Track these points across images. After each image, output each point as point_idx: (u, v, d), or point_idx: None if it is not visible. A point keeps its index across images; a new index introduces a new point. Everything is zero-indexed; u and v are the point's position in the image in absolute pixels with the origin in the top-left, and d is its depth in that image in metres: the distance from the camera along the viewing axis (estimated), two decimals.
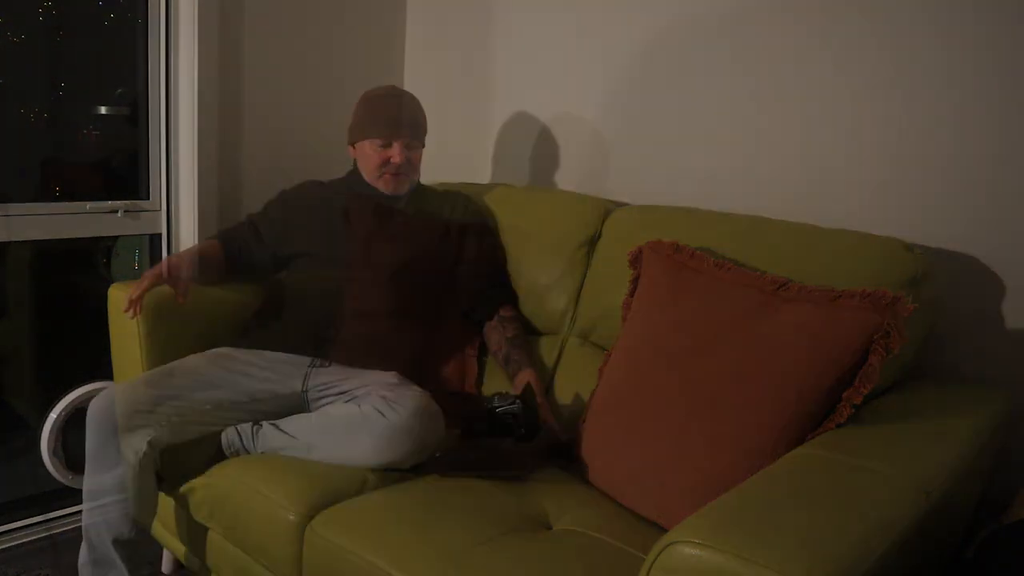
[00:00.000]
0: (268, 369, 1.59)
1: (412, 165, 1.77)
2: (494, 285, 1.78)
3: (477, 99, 2.25)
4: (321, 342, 1.61)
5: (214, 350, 1.63)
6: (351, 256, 1.69)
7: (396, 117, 1.74)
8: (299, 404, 1.58)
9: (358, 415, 1.43)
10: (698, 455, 1.23)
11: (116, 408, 1.44)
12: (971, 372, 1.48)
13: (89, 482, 1.47)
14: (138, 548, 1.52)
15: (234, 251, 1.79)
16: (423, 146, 1.82)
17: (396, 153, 1.72)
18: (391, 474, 1.45)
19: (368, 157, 1.75)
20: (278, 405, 1.56)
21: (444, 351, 1.75)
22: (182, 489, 1.52)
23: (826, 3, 1.59)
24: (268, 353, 1.61)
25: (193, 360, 1.58)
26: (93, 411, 1.46)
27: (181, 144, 2.01)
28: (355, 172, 1.81)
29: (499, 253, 1.82)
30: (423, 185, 1.89)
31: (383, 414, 1.41)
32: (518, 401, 1.47)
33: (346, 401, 1.51)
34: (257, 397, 1.55)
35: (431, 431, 1.43)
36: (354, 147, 1.80)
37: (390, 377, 1.53)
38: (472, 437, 1.48)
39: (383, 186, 1.76)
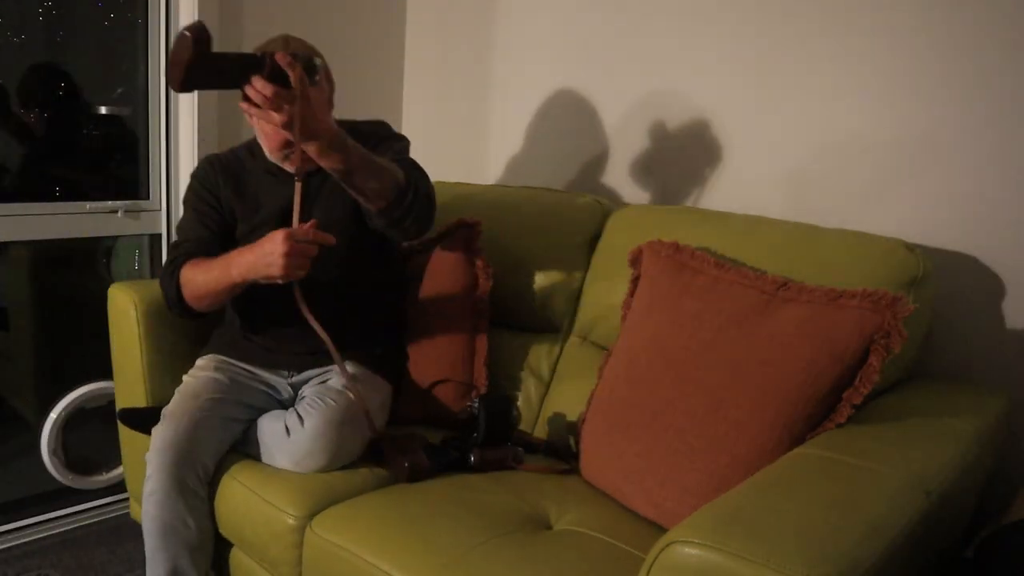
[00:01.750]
0: (255, 379, 1.60)
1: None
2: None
3: (477, 99, 2.25)
4: (294, 356, 1.60)
5: (209, 359, 1.61)
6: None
7: None
8: (292, 403, 1.59)
9: (276, 431, 1.45)
10: (698, 455, 1.23)
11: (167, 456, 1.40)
12: (971, 372, 1.48)
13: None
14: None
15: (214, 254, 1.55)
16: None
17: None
18: (390, 475, 1.45)
19: (266, 134, 1.52)
20: (273, 405, 1.57)
21: (433, 324, 1.68)
22: None
23: (827, 2, 1.59)
24: (255, 368, 1.61)
25: (205, 375, 1.55)
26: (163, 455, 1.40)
27: (181, 144, 2.01)
28: (256, 142, 1.61)
29: (407, 149, 1.61)
30: (342, 122, 1.56)
31: (289, 434, 1.43)
32: (477, 402, 1.51)
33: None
34: (257, 405, 1.55)
35: (343, 440, 1.43)
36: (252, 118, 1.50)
37: (349, 367, 1.51)
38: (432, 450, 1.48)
39: (289, 167, 1.54)
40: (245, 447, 1.50)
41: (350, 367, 1.53)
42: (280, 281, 1.33)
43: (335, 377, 1.53)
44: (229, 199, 1.61)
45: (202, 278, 1.47)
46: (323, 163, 1.29)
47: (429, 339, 1.68)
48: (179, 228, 1.65)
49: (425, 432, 1.57)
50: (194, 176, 1.66)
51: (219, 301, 1.51)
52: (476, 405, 1.51)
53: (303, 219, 1.39)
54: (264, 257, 1.33)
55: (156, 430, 1.44)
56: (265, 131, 1.53)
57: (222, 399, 1.49)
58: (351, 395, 1.47)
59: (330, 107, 1.54)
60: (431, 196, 1.50)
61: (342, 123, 1.45)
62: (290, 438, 1.43)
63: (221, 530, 1.48)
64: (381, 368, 1.62)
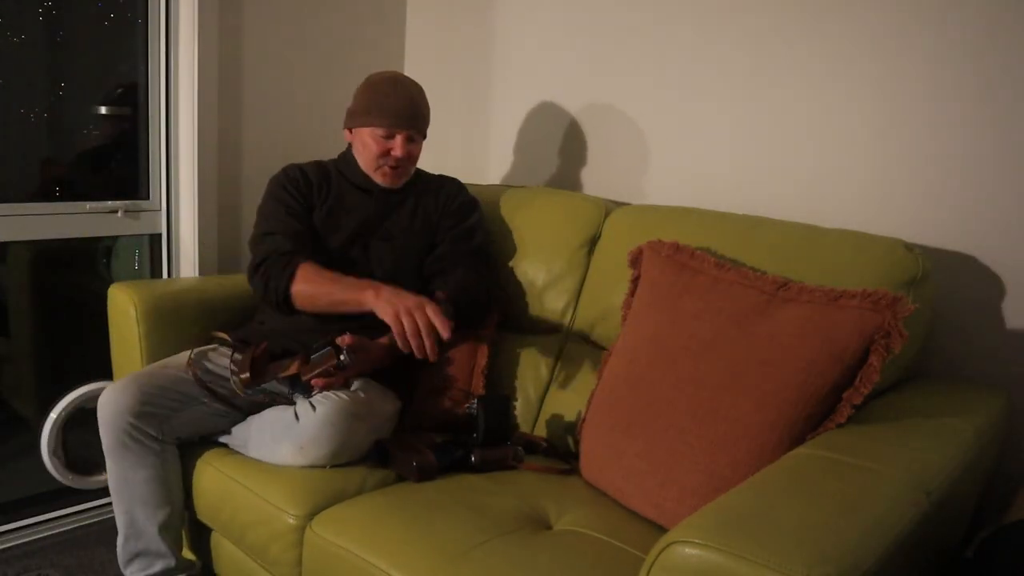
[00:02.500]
0: None
1: (412, 159, 1.71)
2: (461, 269, 1.69)
3: (477, 99, 2.25)
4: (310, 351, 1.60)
5: (211, 347, 1.62)
6: (345, 252, 1.67)
7: (401, 108, 1.65)
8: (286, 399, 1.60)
9: (282, 420, 1.46)
10: (698, 455, 1.23)
11: (122, 402, 1.44)
12: (971, 372, 1.48)
13: (115, 476, 1.48)
14: (179, 532, 1.54)
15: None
16: (424, 138, 1.74)
17: (398, 146, 1.65)
18: (390, 475, 1.46)
19: (367, 146, 1.67)
20: (269, 401, 1.57)
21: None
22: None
23: (828, 2, 1.59)
24: None
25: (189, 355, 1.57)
26: (104, 410, 1.46)
27: (181, 144, 2.01)
28: (348, 158, 1.74)
29: (477, 231, 1.75)
30: (418, 170, 1.81)
31: (298, 419, 1.44)
32: (475, 402, 1.50)
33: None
34: (254, 400, 1.55)
35: (351, 432, 1.44)
36: (351, 131, 1.72)
37: (357, 381, 1.55)
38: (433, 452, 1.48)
39: (380, 178, 1.69)
40: (228, 439, 1.52)
41: (359, 383, 1.55)
42: (387, 323, 1.41)
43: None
44: (314, 198, 1.69)
45: (327, 288, 1.53)
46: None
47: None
48: (264, 218, 1.66)
49: (423, 438, 1.58)
50: (284, 172, 1.72)
51: (332, 312, 1.55)
52: (475, 406, 1.51)
53: (376, 228, 1.67)
54: (402, 299, 1.41)
55: (102, 394, 1.48)
56: (366, 143, 1.67)
57: (191, 380, 1.50)
58: (362, 395, 1.50)
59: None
60: (478, 302, 1.67)
61: (420, 173, 1.74)
62: (299, 423, 1.43)
63: (221, 530, 1.49)
64: (394, 382, 1.61)
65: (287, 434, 1.44)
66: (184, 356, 1.57)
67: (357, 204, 1.70)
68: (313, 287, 1.54)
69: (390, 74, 1.72)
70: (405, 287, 1.50)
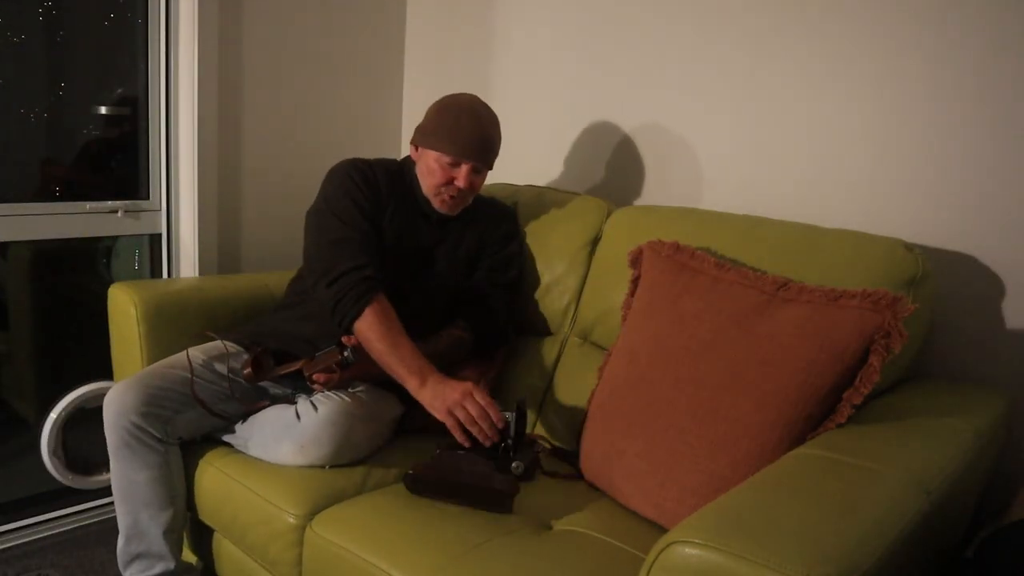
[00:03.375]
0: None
1: (474, 190, 1.65)
2: (491, 301, 1.71)
3: None
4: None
5: (214, 344, 1.61)
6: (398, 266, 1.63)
7: (473, 138, 1.58)
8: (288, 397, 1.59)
9: (283, 418, 1.46)
10: (698, 455, 1.23)
11: (127, 402, 1.43)
12: (971, 372, 1.48)
13: (119, 477, 1.48)
14: (181, 535, 1.55)
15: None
16: (491, 169, 1.67)
17: (462, 177, 1.59)
18: (390, 475, 1.46)
19: (431, 170, 1.61)
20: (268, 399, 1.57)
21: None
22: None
23: (828, 2, 1.59)
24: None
25: (194, 354, 1.56)
26: (108, 410, 1.46)
27: (181, 144, 2.01)
28: (411, 171, 1.68)
29: (516, 268, 1.76)
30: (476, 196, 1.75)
31: (299, 418, 1.44)
32: (514, 412, 1.41)
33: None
34: (250, 390, 1.55)
35: (352, 433, 1.44)
36: (417, 149, 1.65)
37: (360, 384, 1.55)
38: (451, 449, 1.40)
39: (438, 204, 1.63)
40: (231, 438, 1.52)
41: (362, 386, 1.55)
42: (437, 416, 1.40)
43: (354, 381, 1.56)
44: (383, 200, 1.62)
45: (384, 347, 1.46)
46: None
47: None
48: (335, 215, 1.57)
49: (424, 440, 1.57)
50: (351, 165, 1.64)
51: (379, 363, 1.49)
52: (511, 414, 1.40)
53: (427, 254, 1.66)
54: (448, 391, 1.39)
55: (107, 394, 1.47)
56: (430, 167, 1.61)
57: (196, 381, 1.49)
58: (364, 397, 1.50)
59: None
60: (498, 331, 1.72)
61: (478, 199, 1.73)
62: (300, 422, 1.43)
63: (222, 530, 1.49)
64: (396, 387, 1.58)
65: (288, 433, 1.44)
66: (188, 353, 1.56)
67: (417, 227, 1.67)
68: (375, 335, 1.47)
69: (467, 99, 1.64)
70: (437, 310, 1.55)
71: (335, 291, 1.50)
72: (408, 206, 1.66)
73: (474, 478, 1.32)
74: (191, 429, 1.51)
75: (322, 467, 1.43)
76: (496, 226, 1.75)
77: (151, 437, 1.45)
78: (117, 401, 1.44)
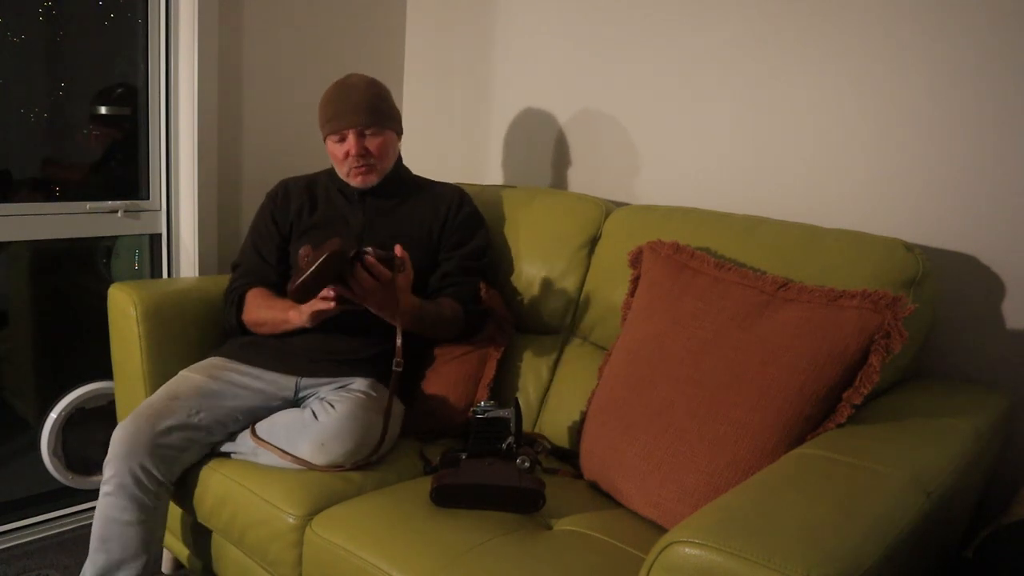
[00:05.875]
0: (259, 379, 1.58)
1: (375, 153, 1.67)
2: (464, 279, 1.71)
3: (477, 99, 2.25)
4: (310, 363, 1.60)
5: (208, 361, 1.62)
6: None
7: (344, 108, 1.64)
8: (293, 402, 1.59)
9: (299, 419, 1.46)
10: (698, 455, 1.23)
11: (139, 444, 1.41)
12: (971, 372, 1.48)
13: (103, 513, 1.43)
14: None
15: (271, 284, 1.72)
16: (389, 130, 1.69)
17: (351, 144, 1.64)
18: (390, 475, 1.46)
19: (332, 155, 1.70)
20: (271, 411, 1.55)
21: (449, 352, 1.70)
22: (183, 491, 1.52)
23: (828, 1, 1.59)
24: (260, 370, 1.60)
25: (193, 378, 1.55)
26: (116, 447, 1.42)
27: (181, 144, 2.01)
28: (333, 169, 1.76)
29: (486, 252, 1.76)
30: (414, 176, 1.81)
31: (317, 417, 1.44)
32: (512, 408, 1.40)
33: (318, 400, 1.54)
34: (254, 408, 1.55)
35: (371, 427, 1.44)
36: (326, 145, 1.73)
37: (363, 384, 1.56)
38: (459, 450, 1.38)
39: (353, 181, 1.69)
40: (231, 446, 1.51)
41: (363, 383, 1.57)
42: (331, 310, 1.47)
43: (357, 382, 1.57)
44: (300, 211, 1.74)
45: (264, 316, 1.64)
46: (394, 323, 1.47)
47: (440, 357, 1.69)
48: (241, 248, 1.80)
49: (425, 443, 1.59)
50: (272, 191, 1.80)
51: (277, 332, 1.63)
52: (510, 410, 1.40)
53: (372, 233, 1.69)
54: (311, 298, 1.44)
55: (116, 429, 1.45)
56: (332, 153, 1.70)
57: (199, 410, 1.48)
58: (373, 393, 1.52)
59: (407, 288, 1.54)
60: (480, 312, 1.71)
61: (418, 179, 1.78)
62: (318, 420, 1.43)
63: (222, 530, 1.49)
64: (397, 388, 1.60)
65: (305, 432, 1.43)
66: (188, 378, 1.55)
67: (347, 212, 1.73)
68: (253, 316, 1.66)
69: (338, 80, 1.71)
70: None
71: (226, 306, 1.71)
72: (332, 195, 1.76)
73: (502, 480, 1.29)
74: (190, 462, 1.50)
75: (341, 467, 1.42)
76: (454, 210, 1.74)
77: (152, 480, 1.42)
78: (128, 441, 1.41)
